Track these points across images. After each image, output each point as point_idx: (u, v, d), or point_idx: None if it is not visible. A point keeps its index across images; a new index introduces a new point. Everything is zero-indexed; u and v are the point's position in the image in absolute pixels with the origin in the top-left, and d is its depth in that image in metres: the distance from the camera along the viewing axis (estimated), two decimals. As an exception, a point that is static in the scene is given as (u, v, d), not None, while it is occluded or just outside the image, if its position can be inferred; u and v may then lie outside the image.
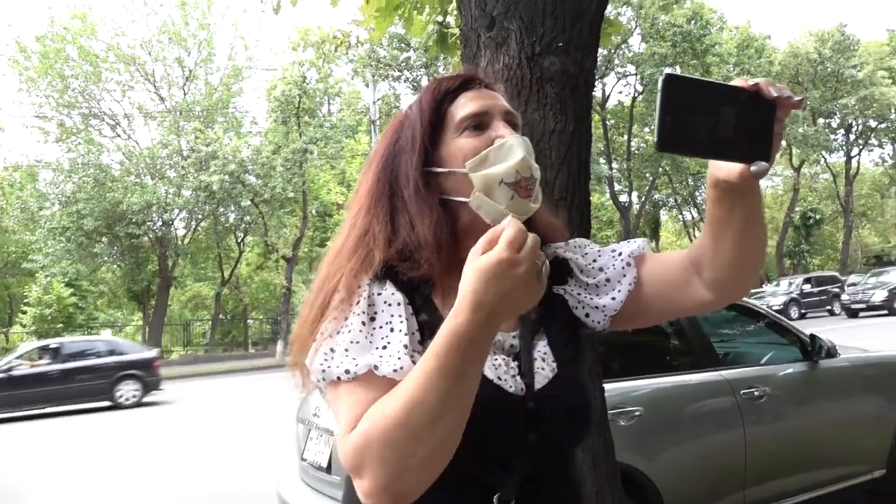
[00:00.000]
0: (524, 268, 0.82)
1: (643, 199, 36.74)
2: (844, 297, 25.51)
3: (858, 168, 42.24)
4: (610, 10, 2.56)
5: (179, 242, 29.47)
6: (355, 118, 30.03)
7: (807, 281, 28.09)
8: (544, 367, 1.06)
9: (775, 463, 3.88)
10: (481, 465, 0.97)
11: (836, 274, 30.10)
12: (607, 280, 1.14)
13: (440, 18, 3.89)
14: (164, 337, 29.65)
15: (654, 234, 40.32)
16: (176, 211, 27.99)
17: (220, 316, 32.70)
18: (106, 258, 29.82)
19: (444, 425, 0.83)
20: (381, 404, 0.86)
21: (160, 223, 27.97)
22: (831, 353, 4.26)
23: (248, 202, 27.47)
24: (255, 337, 33.24)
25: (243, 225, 30.08)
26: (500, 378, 1.01)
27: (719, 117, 0.85)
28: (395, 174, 1.07)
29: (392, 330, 0.96)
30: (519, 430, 1.00)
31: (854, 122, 39.44)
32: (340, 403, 0.92)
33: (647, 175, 35.57)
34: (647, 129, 36.30)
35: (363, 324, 0.96)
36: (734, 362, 4.25)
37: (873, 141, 42.21)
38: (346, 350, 0.93)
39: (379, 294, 0.99)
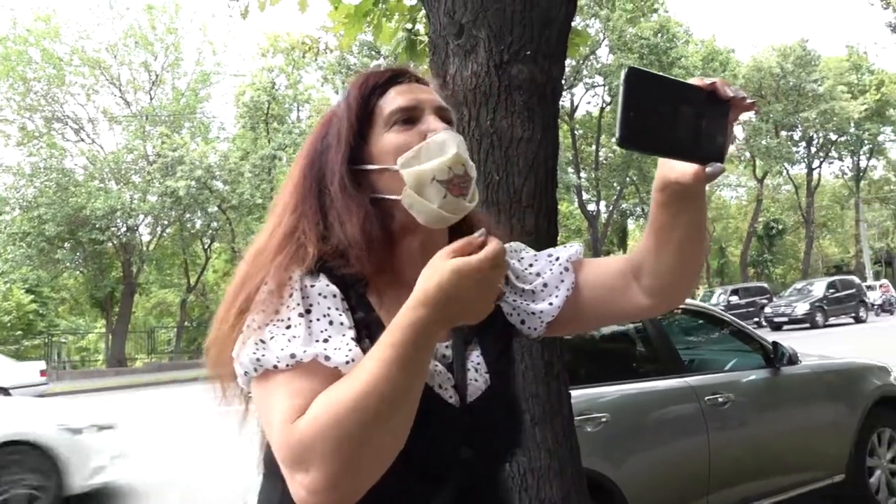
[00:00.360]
0: (493, 286, 0.84)
1: (611, 208, 37.12)
2: (768, 309, 25.65)
3: (819, 180, 43.20)
4: (578, 22, 2.59)
5: (144, 248, 29.04)
6: (325, 125, 29.93)
7: (734, 292, 28.06)
8: (477, 378, 1.03)
9: (738, 468, 3.93)
10: (415, 478, 0.93)
11: (765, 285, 30.44)
12: (545, 285, 1.11)
13: (409, 26, 3.90)
14: (128, 344, 29.14)
15: (622, 243, 40.76)
16: (141, 216, 27.60)
17: (186, 323, 32.24)
18: (68, 264, 29.24)
19: (398, 418, 0.82)
20: (332, 393, 0.82)
21: (125, 229, 27.54)
22: (793, 360, 4.34)
23: (216, 208, 27.20)
24: (221, 345, 32.77)
25: (210, 231, 29.75)
26: (440, 386, 0.98)
27: (679, 115, 0.84)
28: (322, 171, 1.03)
29: (331, 323, 0.91)
30: (453, 443, 0.97)
31: (815, 135, 40.34)
32: (275, 395, 0.85)
33: (615, 184, 35.97)
34: (614, 140, 36.63)
35: (300, 315, 0.90)
36: (699, 369, 4.30)
37: (833, 154, 43.22)
38: (289, 340, 0.88)
39: (312, 286, 0.94)
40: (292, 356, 0.86)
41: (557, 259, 1.13)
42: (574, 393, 2.49)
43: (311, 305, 0.92)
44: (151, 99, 29.75)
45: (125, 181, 27.76)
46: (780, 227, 42.58)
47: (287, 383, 0.86)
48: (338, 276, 0.96)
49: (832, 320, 24.13)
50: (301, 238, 0.98)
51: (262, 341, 0.88)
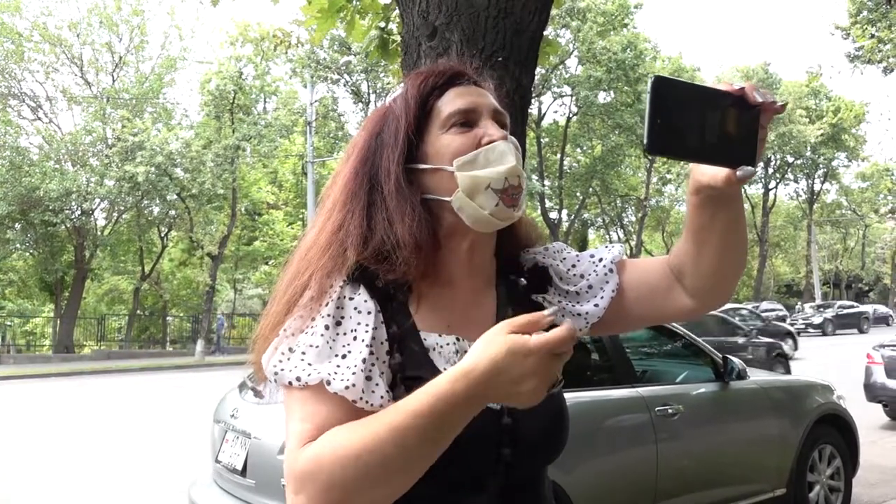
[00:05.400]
0: (549, 374, 0.79)
1: (573, 217, 37.49)
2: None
3: (775, 200, 44.27)
4: (549, 31, 2.61)
5: (99, 233, 28.31)
6: (291, 118, 29.57)
7: None
8: None
9: (685, 479, 4.00)
10: (454, 481, 0.93)
11: None
12: (589, 287, 1.11)
13: (382, 24, 3.89)
14: (77, 330, 28.40)
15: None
16: (97, 200, 26.88)
17: (138, 312, 31.58)
18: (18, 245, 28.38)
19: (402, 478, 0.81)
20: (342, 436, 0.82)
21: (79, 212, 26.78)
22: (741, 375, 4.44)
23: (175, 196, 26.66)
24: (174, 335, 32.17)
25: (168, 219, 29.15)
26: None
27: (706, 121, 0.85)
28: (376, 169, 1.01)
29: (355, 339, 0.91)
30: (494, 447, 0.96)
31: (773, 157, 41.33)
32: (292, 410, 0.89)
33: (578, 194, 36.33)
34: (579, 150, 37.09)
35: (326, 328, 0.91)
36: (651, 380, 4.37)
37: (789, 176, 44.36)
38: (304, 353, 0.89)
39: (351, 299, 0.94)
40: (298, 379, 0.88)
41: (601, 260, 1.13)
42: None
43: (342, 318, 0.93)
44: (114, 81, 29.05)
45: (82, 163, 27.03)
46: (736, 244, 43.46)
47: (301, 403, 0.88)
48: (379, 287, 0.96)
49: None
50: (344, 240, 0.98)
51: (290, 350, 0.91)
